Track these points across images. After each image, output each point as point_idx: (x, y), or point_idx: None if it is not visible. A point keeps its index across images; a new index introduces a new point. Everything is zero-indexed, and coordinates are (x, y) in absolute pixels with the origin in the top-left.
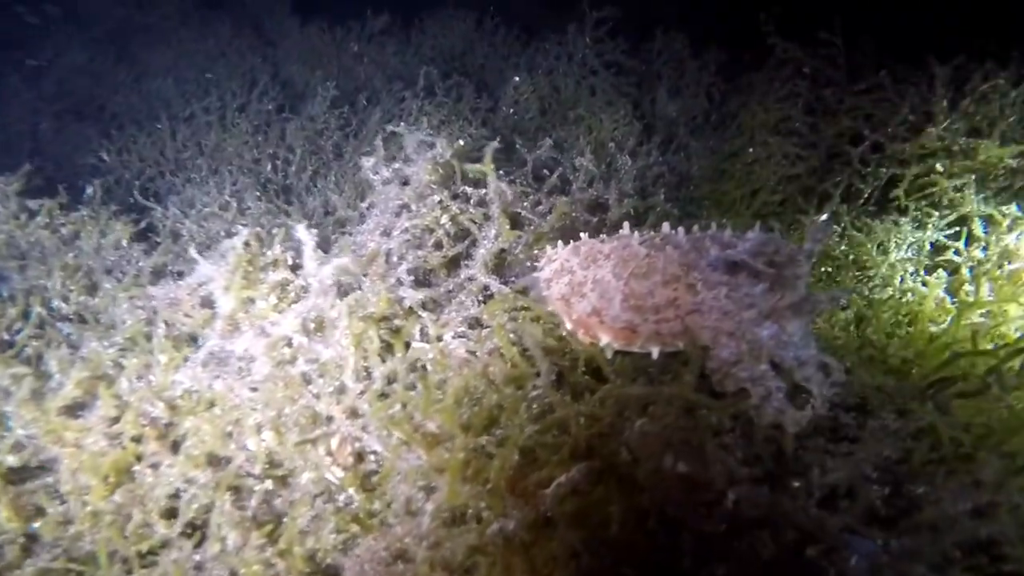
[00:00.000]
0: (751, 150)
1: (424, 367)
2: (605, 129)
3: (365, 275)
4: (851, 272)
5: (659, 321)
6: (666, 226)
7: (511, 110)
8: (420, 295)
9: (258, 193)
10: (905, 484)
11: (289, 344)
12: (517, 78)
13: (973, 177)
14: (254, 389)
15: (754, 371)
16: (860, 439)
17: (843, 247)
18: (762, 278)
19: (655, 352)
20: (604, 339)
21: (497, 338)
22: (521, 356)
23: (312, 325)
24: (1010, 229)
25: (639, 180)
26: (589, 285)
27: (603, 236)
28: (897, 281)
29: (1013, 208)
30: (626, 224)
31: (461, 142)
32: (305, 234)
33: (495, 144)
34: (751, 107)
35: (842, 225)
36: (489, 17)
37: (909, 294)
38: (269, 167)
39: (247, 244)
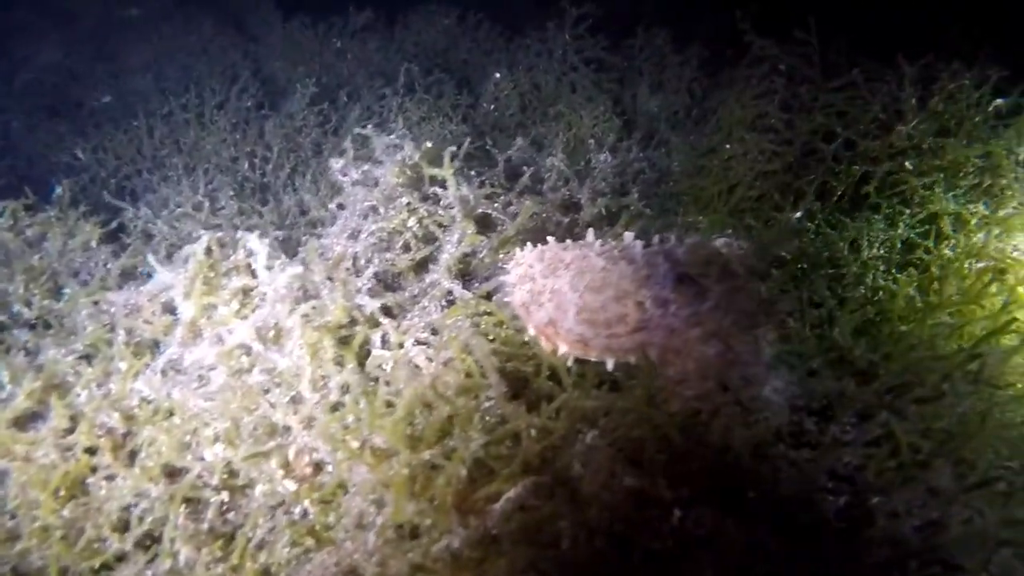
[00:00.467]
0: (728, 146)
1: (377, 379)
2: (585, 125)
3: (331, 279)
4: (825, 270)
5: (610, 336)
6: (628, 235)
7: (491, 107)
8: (378, 302)
9: (232, 192)
10: (862, 493)
11: (248, 353)
12: (498, 74)
13: (942, 175)
14: (211, 399)
15: (700, 389)
16: (820, 446)
17: (817, 245)
18: (710, 296)
19: (609, 363)
20: (561, 348)
21: (451, 347)
22: (477, 365)
23: (271, 334)
24: (978, 227)
25: (619, 177)
26: (547, 295)
27: (568, 241)
28: (869, 279)
29: (980, 207)
30: (591, 231)
31: (429, 144)
32: (257, 243)
33: (453, 149)
34: (728, 103)
35: (816, 223)
36: (472, 13)
37: (880, 293)
38: (246, 165)
39: (208, 250)
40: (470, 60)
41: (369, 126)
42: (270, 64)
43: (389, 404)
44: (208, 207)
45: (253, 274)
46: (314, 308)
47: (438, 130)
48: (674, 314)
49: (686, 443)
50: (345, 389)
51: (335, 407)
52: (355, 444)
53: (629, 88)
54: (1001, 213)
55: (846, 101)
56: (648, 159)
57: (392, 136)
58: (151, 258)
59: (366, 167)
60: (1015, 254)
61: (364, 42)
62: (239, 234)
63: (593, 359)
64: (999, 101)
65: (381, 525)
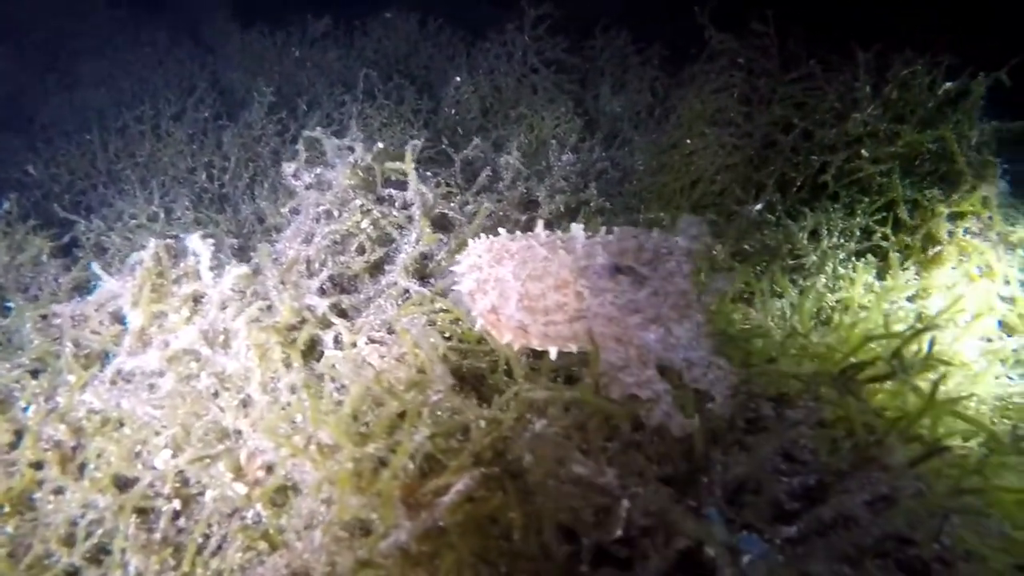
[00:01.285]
0: (688, 141)
1: (321, 376)
2: (546, 127)
3: (283, 283)
4: (787, 261)
5: (548, 324)
6: (575, 227)
7: (453, 111)
8: (327, 302)
9: (187, 204)
10: (815, 474)
11: (196, 358)
12: (458, 78)
13: (897, 162)
14: (160, 406)
15: (640, 376)
16: (773, 429)
17: (779, 236)
18: (647, 283)
19: (552, 352)
20: (505, 336)
21: (402, 341)
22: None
23: (221, 338)
24: (933, 213)
25: (582, 177)
26: (491, 282)
27: (518, 233)
28: (829, 268)
29: (935, 192)
30: (540, 223)
31: (380, 145)
32: (199, 244)
33: (417, 143)
34: (688, 99)
35: (777, 214)
36: (432, 19)
37: (840, 281)
38: (204, 176)
39: (157, 257)
40: (431, 65)
41: (318, 129)
42: (228, 74)
43: (340, 403)
44: (163, 218)
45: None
46: (262, 310)
47: (399, 136)
48: (611, 302)
49: (634, 430)
50: (294, 390)
51: (284, 407)
52: (300, 441)
53: (591, 89)
54: (955, 197)
55: (804, 92)
56: (611, 159)
57: (345, 140)
58: (95, 267)
59: (319, 170)
60: (967, 237)
61: (324, 50)
62: (185, 238)
63: (535, 347)
64: (948, 85)
65: (327, 522)
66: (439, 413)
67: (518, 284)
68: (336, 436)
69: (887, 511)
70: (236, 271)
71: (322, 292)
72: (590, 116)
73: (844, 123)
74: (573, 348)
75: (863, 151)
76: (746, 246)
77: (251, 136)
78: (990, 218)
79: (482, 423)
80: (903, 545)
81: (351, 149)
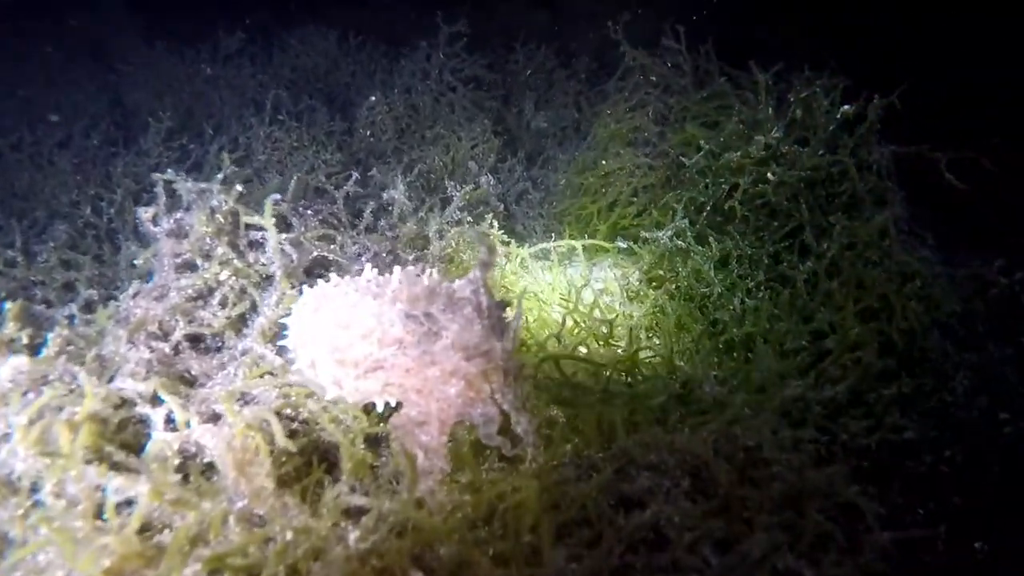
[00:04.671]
0: (604, 162)
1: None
2: (463, 147)
3: (132, 343)
4: (697, 292)
5: (357, 377)
6: (397, 271)
7: (368, 132)
8: (141, 387)
9: (53, 245)
10: None
11: None
12: (373, 97)
13: (803, 185)
14: None
15: (432, 440)
16: None
17: (687, 266)
18: (444, 334)
19: (379, 404)
20: (329, 392)
21: (232, 424)
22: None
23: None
24: (837, 237)
25: (501, 200)
26: (309, 335)
27: (346, 277)
28: (736, 299)
29: (841, 217)
30: (368, 265)
31: (239, 187)
32: None
33: (277, 195)
34: (603, 117)
35: (686, 241)
36: (352, 34)
37: (745, 313)
38: (89, 210)
39: None
40: (352, 83)
41: (169, 170)
42: (132, 95)
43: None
44: (23, 262)
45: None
46: (51, 400)
47: (311, 159)
48: (406, 353)
49: (460, 553)
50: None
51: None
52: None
53: (515, 104)
54: (856, 223)
55: (717, 111)
56: (533, 178)
57: (214, 182)
58: None
59: (179, 215)
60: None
61: (238, 68)
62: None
63: (355, 402)
64: (846, 108)
65: None
66: (237, 530)
67: (329, 335)
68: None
69: None
70: (15, 362)
71: (176, 352)
72: (512, 133)
73: (749, 145)
74: (390, 400)
75: (769, 174)
76: (660, 272)
77: (146, 165)
78: (889, 246)
79: (289, 534)
80: None
81: (209, 192)
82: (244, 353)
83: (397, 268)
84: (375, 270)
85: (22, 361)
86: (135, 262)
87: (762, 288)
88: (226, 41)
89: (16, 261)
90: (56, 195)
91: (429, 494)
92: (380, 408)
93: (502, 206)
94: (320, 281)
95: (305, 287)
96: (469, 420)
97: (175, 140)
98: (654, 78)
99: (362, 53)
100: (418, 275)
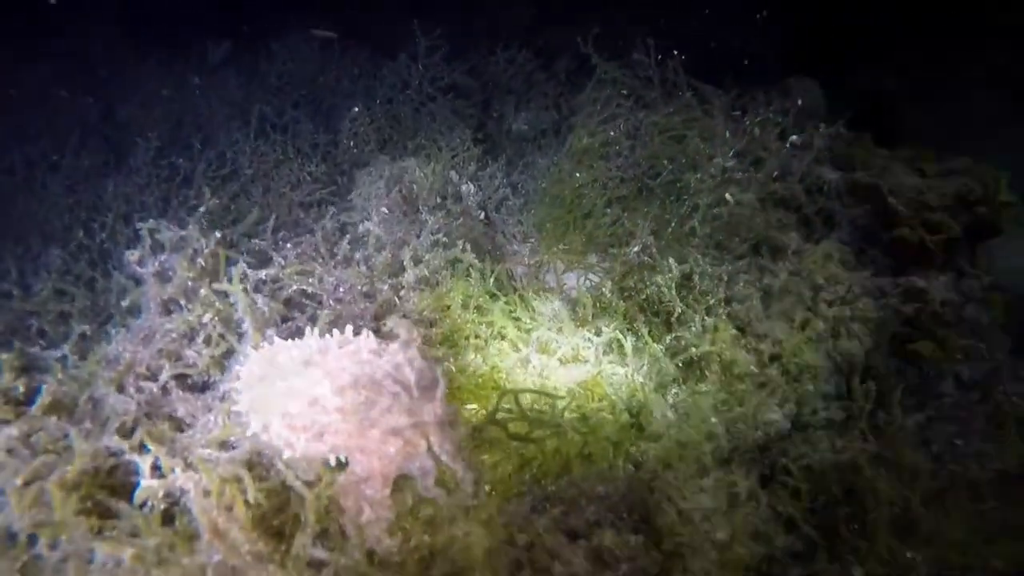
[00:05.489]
0: (578, 175)
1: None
2: (443, 157)
3: (119, 388)
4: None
5: (308, 440)
6: (336, 332)
7: (351, 143)
8: (126, 444)
9: (47, 275)
10: None
11: None
12: (356, 108)
13: (759, 206)
14: None
15: (376, 494)
16: None
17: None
18: (379, 400)
19: (331, 459)
20: (285, 453)
21: (207, 479)
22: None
23: None
24: (795, 254)
25: (482, 208)
26: (260, 402)
27: (295, 340)
28: (697, 319)
29: (793, 235)
30: (311, 329)
31: (218, 234)
32: None
33: (243, 265)
34: (577, 129)
35: (652, 257)
36: (338, 40)
37: (705, 333)
38: (82, 233)
39: None
40: (338, 88)
41: (151, 220)
42: (123, 108)
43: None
44: (19, 294)
45: (18, 403)
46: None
47: (296, 172)
48: (347, 420)
49: None
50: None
51: None
52: None
53: (495, 109)
54: (808, 245)
55: (684, 124)
56: (513, 184)
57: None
58: None
59: (163, 257)
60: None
61: (225, 78)
62: None
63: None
64: (794, 137)
65: None
66: None
67: (276, 402)
68: None
69: None
70: (7, 432)
71: (165, 392)
72: (493, 139)
73: (709, 164)
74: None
75: (727, 195)
76: (631, 283)
77: (136, 184)
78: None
79: None
80: None
81: (189, 239)
82: (223, 398)
83: (337, 333)
84: (316, 332)
85: (12, 432)
86: (123, 303)
87: (721, 306)
88: (213, 51)
89: (12, 293)
90: (49, 219)
91: (377, 543)
92: (332, 463)
93: (483, 214)
94: (265, 344)
95: (251, 351)
96: (410, 474)
97: (164, 158)
98: (624, 91)
99: (346, 60)
100: (354, 344)
